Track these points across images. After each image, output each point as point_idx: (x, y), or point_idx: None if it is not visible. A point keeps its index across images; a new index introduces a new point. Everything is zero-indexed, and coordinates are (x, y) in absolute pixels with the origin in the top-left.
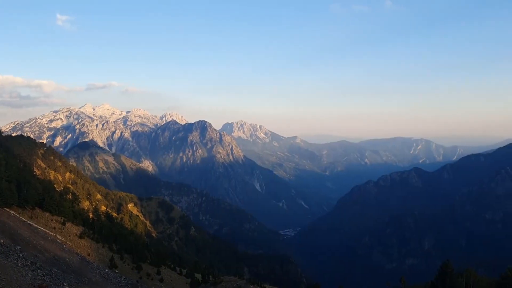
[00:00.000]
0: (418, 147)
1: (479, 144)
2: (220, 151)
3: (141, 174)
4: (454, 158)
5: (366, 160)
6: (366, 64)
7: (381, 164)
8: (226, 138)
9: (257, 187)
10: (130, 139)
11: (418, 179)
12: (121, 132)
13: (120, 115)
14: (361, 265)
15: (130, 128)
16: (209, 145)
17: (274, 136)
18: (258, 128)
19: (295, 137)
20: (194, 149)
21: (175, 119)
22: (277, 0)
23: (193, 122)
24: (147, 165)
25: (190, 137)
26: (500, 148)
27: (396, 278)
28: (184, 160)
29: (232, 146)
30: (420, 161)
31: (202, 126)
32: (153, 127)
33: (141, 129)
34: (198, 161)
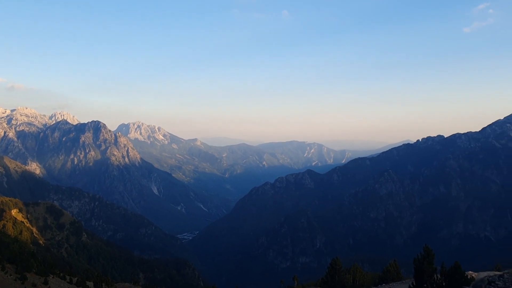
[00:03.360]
0: (312, 151)
1: (365, 149)
2: (115, 153)
3: (28, 177)
4: (343, 161)
5: (264, 162)
6: (261, 68)
7: (278, 166)
8: (122, 140)
9: (155, 190)
10: (15, 139)
11: (311, 181)
12: (5, 132)
13: (3, 113)
14: (257, 265)
15: (15, 128)
16: (103, 147)
17: (173, 138)
18: (157, 130)
19: (195, 139)
20: (87, 150)
21: (66, 119)
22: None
23: (86, 122)
24: (34, 167)
25: (83, 138)
26: (383, 153)
27: (290, 276)
28: (75, 163)
29: (128, 148)
30: (313, 163)
31: (96, 127)
32: (42, 127)
33: (28, 129)
34: (91, 164)
